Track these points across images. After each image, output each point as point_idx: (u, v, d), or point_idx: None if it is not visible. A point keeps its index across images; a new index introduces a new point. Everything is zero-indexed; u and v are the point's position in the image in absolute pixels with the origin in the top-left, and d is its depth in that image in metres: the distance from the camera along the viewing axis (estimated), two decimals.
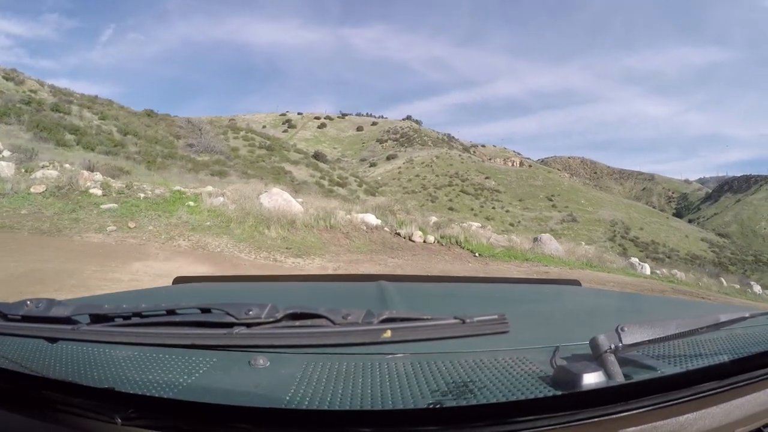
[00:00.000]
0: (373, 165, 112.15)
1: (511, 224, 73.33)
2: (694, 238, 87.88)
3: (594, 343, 0.97)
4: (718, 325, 1.14)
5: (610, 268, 18.39)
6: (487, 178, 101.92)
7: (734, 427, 0.88)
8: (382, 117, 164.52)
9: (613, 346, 0.96)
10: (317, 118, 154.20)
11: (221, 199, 16.65)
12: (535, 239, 20.18)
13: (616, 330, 0.99)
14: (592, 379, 0.87)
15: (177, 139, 39.08)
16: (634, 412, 0.84)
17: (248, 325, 0.94)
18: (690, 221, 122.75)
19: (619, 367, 0.93)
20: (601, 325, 1.08)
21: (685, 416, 0.87)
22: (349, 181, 49.84)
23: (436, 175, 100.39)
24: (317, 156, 55.63)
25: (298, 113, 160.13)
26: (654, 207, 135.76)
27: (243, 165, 37.67)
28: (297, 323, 0.95)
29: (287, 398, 0.90)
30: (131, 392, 0.92)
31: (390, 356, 1.11)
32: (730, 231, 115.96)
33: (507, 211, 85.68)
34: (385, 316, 0.93)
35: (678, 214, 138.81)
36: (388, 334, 0.89)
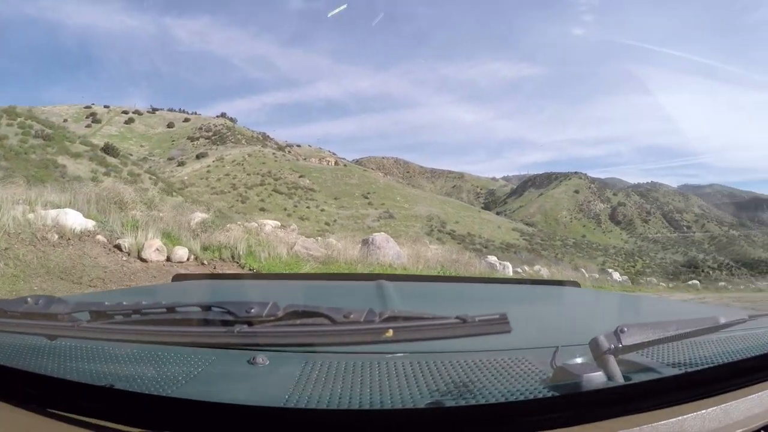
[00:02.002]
0: (181, 164, 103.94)
1: (327, 224, 70.96)
2: (506, 228, 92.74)
3: (594, 344, 0.96)
4: (717, 327, 1.14)
5: (473, 274, 14.83)
6: (301, 176, 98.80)
7: (734, 428, 0.87)
8: (196, 113, 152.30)
9: (613, 347, 0.95)
10: (125, 112, 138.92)
11: None
12: (366, 241, 13.82)
13: (616, 331, 0.98)
14: (592, 380, 0.86)
15: None
16: (634, 413, 0.85)
17: (249, 323, 0.94)
18: (498, 213, 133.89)
19: (618, 368, 0.93)
20: (601, 326, 1.09)
21: (685, 417, 0.87)
22: (143, 179, 40.98)
23: (248, 174, 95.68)
24: (107, 149, 45.53)
25: (105, 107, 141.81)
26: (464, 202, 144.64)
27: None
28: (298, 321, 0.95)
29: (286, 397, 0.89)
30: (131, 390, 0.92)
31: (390, 355, 1.10)
32: (536, 220, 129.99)
33: (322, 210, 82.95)
34: (386, 315, 0.92)
35: (486, 208, 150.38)
36: (389, 333, 0.89)
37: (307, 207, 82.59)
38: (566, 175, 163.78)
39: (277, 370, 1.04)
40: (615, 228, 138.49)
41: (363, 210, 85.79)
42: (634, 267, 76.84)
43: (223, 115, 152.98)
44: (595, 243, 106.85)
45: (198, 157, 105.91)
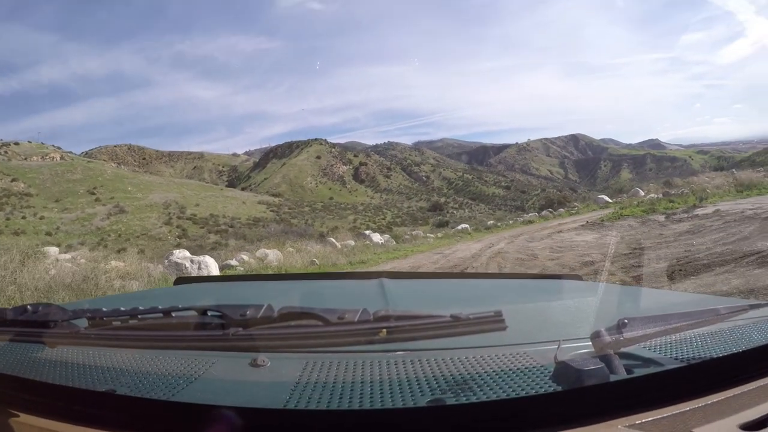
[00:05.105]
0: None
1: (49, 233, 58.71)
2: (251, 203, 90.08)
3: (595, 338, 0.96)
4: (719, 317, 1.16)
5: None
6: (14, 180, 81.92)
7: (737, 420, 0.86)
8: None
9: (614, 340, 0.95)
10: None
11: None
12: None
13: (618, 324, 0.98)
14: (594, 374, 0.86)
15: None
16: (637, 406, 0.86)
17: (244, 326, 0.98)
18: (244, 189, 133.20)
19: (621, 361, 0.94)
20: (603, 319, 1.13)
21: (688, 409, 0.87)
22: None
23: None
24: None
25: None
26: (207, 182, 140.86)
27: None
28: (293, 323, 0.99)
29: (287, 398, 0.89)
30: (132, 395, 0.93)
31: (390, 354, 1.09)
32: (282, 190, 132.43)
33: (41, 218, 68.18)
34: (380, 315, 0.96)
35: (231, 185, 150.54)
36: (383, 333, 0.92)
37: (23, 217, 67.01)
38: (307, 143, 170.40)
39: (277, 371, 1.03)
40: (360, 186, 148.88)
41: (90, 209, 72.76)
42: (384, 219, 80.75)
43: None
44: (344, 203, 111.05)
45: None
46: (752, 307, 1.25)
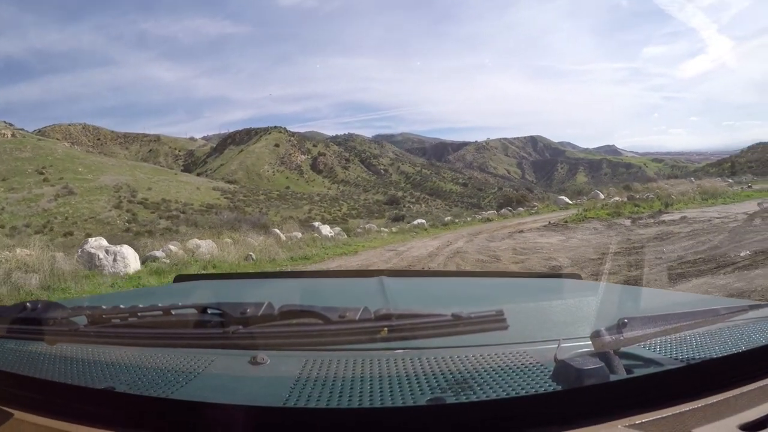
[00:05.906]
0: None
1: None
2: (205, 189, 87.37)
3: (595, 338, 0.96)
4: (719, 318, 1.17)
5: None
6: None
7: (736, 421, 0.86)
8: None
9: (614, 340, 0.95)
10: None
11: None
12: None
13: (618, 324, 0.98)
14: (593, 373, 0.86)
15: None
16: (636, 406, 0.85)
17: (244, 324, 0.99)
18: (199, 174, 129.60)
19: (620, 361, 0.94)
20: (603, 318, 1.13)
21: (687, 409, 0.87)
22: None
23: None
24: None
25: None
26: (163, 166, 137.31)
27: None
28: (293, 321, 1.00)
29: (287, 396, 0.89)
30: (131, 393, 0.92)
31: (389, 352, 1.09)
32: (238, 177, 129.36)
33: None
34: (381, 314, 0.97)
35: (187, 170, 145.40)
36: (384, 332, 0.93)
37: None
38: (266, 130, 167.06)
39: (277, 369, 1.03)
40: (317, 177, 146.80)
41: (37, 189, 68.71)
42: (340, 211, 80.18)
43: None
44: (300, 193, 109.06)
45: None
46: (752, 307, 1.25)
